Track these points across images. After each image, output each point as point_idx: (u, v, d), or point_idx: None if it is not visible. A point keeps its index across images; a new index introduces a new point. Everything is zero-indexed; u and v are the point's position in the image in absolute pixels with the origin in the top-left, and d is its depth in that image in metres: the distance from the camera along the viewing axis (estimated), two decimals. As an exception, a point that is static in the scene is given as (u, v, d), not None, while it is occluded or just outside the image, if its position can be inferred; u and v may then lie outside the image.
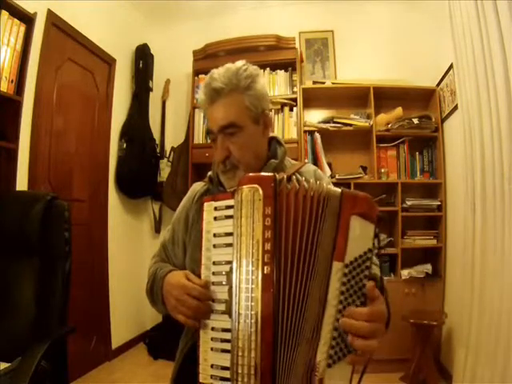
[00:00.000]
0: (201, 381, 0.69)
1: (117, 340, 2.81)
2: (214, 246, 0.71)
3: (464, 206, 2.03)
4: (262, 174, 0.72)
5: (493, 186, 1.73)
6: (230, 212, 0.70)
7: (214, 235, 0.72)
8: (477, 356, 1.78)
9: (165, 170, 3.15)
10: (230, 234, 0.69)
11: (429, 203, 2.63)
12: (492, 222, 1.74)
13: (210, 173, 1.00)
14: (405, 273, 2.56)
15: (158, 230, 3.26)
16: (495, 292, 1.68)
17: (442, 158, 2.65)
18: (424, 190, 2.77)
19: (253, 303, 0.63)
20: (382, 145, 2.76)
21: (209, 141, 0.98)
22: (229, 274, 0.67)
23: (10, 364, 1.13)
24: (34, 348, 1.06)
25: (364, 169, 2.74)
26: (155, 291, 0.88)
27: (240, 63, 0.89)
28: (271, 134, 1.00)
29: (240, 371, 0.62)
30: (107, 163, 2.80)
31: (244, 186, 0.68)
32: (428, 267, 2.59)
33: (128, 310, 3.02)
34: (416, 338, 2.30)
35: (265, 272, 0.63)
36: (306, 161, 2.67)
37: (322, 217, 0.66)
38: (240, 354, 0.62)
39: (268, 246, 0.64)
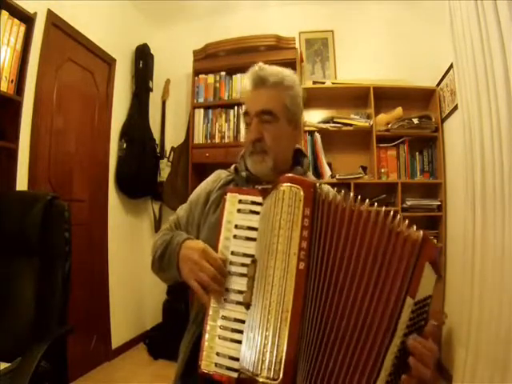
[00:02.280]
0: (202, 368, 0.68)
1: (117, 340, 2.80)
2: (235, 236, 0.73)
3: (464, 206, 2.03)
4: (303, 177, 0.75)
5: (493, 186, 1.73)
6: (255, 208, 0.73)
7: (236, 226, 0.73)
8: (477, 356, 1.78)
9: (165, 170, 3.15)
10: (253, 229, 0.71)
11: (429, 203, 2.63)
12: (492, 221, 1.73)
13: (235, 164, 1.03)
14: (405, 273, 2.56)
15: (158, 229, 3.25)
16: (495, 292, 1.68)
17: (442, 157, 2.65)
18: (424, 190, 2.76)
19: (284, 296, 0.64)
20: (382, 145, 2.76)
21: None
22: (250, 265, 0.69)
23: (10, 364, 1.13)
24: (33, 348, 1.06)
25: (364, 169, 2.74)
26: (168, 256, 0.88)
27: (287, 70, 0.97)
28: (296, 146, 1.04)
29: (266, 365, 0.62)
30: (107, 163, 2.80)
31: (284, 184, 0.69)
32: (428, 267, 2.59)
33: (128, 310, 3.02)
34: (416, 337, 2.29)
35: (299, 267, 0.65)
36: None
37: (391, 246, 0.66)
38: (268, 345, 0.62)
39: (304, 245, 0.66)
